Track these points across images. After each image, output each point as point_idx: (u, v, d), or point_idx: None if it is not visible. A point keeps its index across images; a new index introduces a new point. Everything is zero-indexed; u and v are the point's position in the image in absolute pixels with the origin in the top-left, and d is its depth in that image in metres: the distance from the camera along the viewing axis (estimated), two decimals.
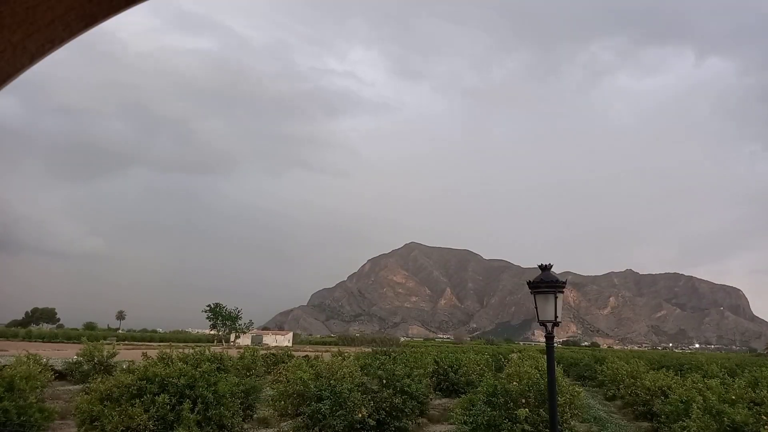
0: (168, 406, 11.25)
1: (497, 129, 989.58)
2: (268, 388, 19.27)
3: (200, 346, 20.71)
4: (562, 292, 8.00)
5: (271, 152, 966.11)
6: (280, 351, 38.33)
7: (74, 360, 25.57)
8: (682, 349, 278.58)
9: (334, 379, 14.38)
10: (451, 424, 15.29)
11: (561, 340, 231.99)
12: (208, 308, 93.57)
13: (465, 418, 12.39)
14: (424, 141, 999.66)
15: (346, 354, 25.64)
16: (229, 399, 12.49)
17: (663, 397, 16.20)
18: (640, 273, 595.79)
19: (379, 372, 15.56)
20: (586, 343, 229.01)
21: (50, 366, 18.85)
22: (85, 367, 24.44)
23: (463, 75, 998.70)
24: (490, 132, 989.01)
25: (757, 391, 11.43)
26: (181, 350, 16.02)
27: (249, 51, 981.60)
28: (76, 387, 21.64)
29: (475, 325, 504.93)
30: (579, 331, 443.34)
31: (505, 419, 11.74)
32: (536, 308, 8.02)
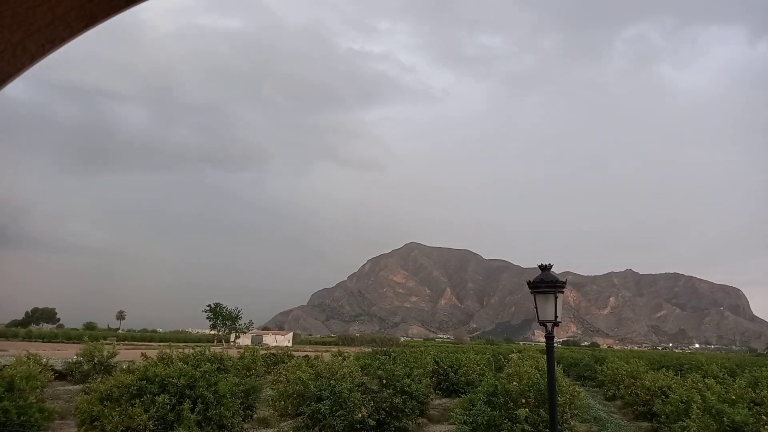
0: (168, 406, 11.26)
1: (519, 122, 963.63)
2: (268, 388, 19.27)
3: (200, 346, 20.73)
4: (562, 292, 8.00)
5: (297, 144, 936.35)
6: (280, 351, 38.32)
7: (74, 360, 25.56)
8: (682, 349, 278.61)
9: (334, 379, 14.39)
10: (451, 424, 15.28)
11: (561, 340, 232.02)
12: (208, 308, 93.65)
13: (465, 418, 12.38)
14: (449, 134, 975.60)
15: (346, 354, 25.62)
16: (229, 399, 12.49)
17: (663, 397, 16.19)
18: (640, 273, 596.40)
19: (379, 372, 15.56)
20: (586, 343, 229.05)
21: (50, 366, 18.87)
22: (85, 367, 24.42)
23: (497, 61, 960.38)
24: (511, 125, 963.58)
25: (757, 391, 11.42)
26: (181, 350, 16.03)
27: (283, 31, 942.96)
28: (76, 387, 21.64)
29: (475, 325, 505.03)
30: (579, 331, 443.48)
31: (505, 419, 11.74)
32: (536, 308, 8.02)
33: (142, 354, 15.76)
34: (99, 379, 12.86)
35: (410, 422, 14.93)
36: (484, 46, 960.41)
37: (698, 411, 11.01)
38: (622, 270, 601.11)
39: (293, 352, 38.41)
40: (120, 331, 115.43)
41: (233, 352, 29.53)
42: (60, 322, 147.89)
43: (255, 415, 15.80)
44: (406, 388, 14.75)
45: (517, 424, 11.25)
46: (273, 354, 33.67)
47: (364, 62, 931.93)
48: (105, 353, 25.06)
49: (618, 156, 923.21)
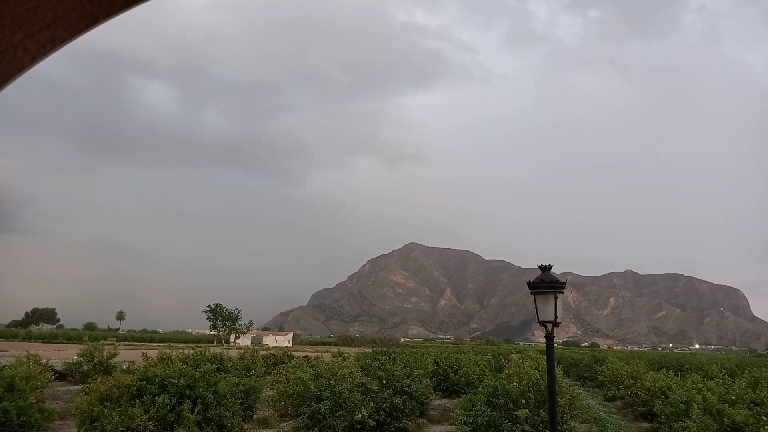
0: (168, 407, 11.26)
1: (538, 119, 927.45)
2: (268, 388, 19.27)
3: (200, 347, 20.72)
4: (562, 292, 8.00)
5: (329, 133, 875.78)
6: (280, 351, 38.31)
7: (74, 360, 25.56)
8: (682, 349, 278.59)
9: (334, 380, 14.38)
10: (451, 424, 15.28)
11: (561, 341, 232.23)
12: (208, 309, 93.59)
13: (465, 418, 12.39)
14: (473, 131, 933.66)
15: (346, 354, 25.59)
16: (229, 399, 12.49)
17: (663, 398, 16.19)
18: (640, 273, 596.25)
19: (379, 372, 15.56)
20: (586, 344, 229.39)
21: (50, 366, 18.83)
22: (85, 367, 24.42)
23: (539, 40, 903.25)
24: (530, 125, 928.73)
25: (757, 392, 11.43)
26: (181, 351, 16.04)
27: (333, 2, 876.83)
28: (76, 387, 21.64)
29: (475, 326, 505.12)
30: (579, 332, 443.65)
31: (505, 420, 11.74)
32: (536, 308, 8.02)
33: (142, 354, 15.76)
34: (99, 380, 12.86)
35: (410, 422, 14.92)
36: (532, 16, 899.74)
37: (698, 411, 11.01)
38: (622, 270, 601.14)
39: (293, 353, 38.40)
40: (120, 332, 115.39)
41: (233, 353, 29.51)
42: (60, 323, 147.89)
43: (255, 416, 15.80)
44: (406, 389, 14.75)
45: (517, 425, 11.24)
46: (273, 354, 33.67)
47: (419, 39, 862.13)
48: (105, 353, 25.06)
49: (621, 155, 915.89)
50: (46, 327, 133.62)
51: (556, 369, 8.94)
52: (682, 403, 13.27)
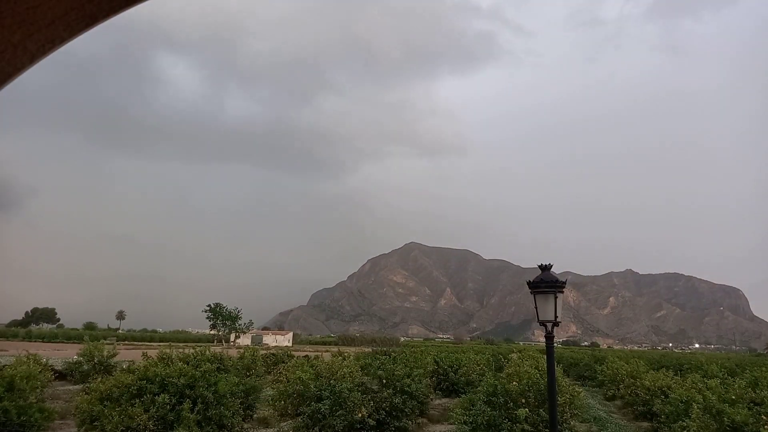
0: (168, 406, 11.25)
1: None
2: (268, 388, 19.28)
3: (200, 346, 20.71)
4: (562, 292, 8.00)
5: (362, 125, 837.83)
6: (280, 351, 38.31)
7: (74, 360, 25.58)
8: (682, 349, 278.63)
9: (334, 379, 14.39)
10: (451, 424, 15.29)
11: (561, 340, 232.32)
12: (208, 308, 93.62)
13: (465, 418, 12.39)
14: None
15: (346, 354, 25.58)
16: (229, 399, 12.49)
17: (663, 397, 16.20)
18: (640, 273, 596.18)
19: (379, 372, 15.56)
20: (586, 343, 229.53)
21: (50, 366, 18.84)
22: (85, 367, 24.44)
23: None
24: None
25: (757, 391, 11.42)
26: (181, 350, 16.02)
27: None
28: (76, 387, 21.64)
29: (475, 325, 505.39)
30: (579, 331, 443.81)
31: (505, 419, 11.74)
32: (536, 308, 8.02)
33: (142, 354, 15.76)
34: (99, 379, 12.86)
35: (410, 422, 14.93)
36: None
37: (698, 411, 11.02)
38: (622, 270, 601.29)
39: (293, 352, 38.42)
40: (120, 331, 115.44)
41: (233, 352, 29.50)
42: (60, 322, 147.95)
43: (255, 415, 15.80)
44: (406, 388, 14.75)
45: (517, 424, 11.25)
46: (273, 354, 33.66)
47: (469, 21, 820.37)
48: (105, 353, 25.07)
49: (623, 151, 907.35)
50: (46, 327, 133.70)
51: (556, 368, 8.94)
52: (681, 402, 13.28)
